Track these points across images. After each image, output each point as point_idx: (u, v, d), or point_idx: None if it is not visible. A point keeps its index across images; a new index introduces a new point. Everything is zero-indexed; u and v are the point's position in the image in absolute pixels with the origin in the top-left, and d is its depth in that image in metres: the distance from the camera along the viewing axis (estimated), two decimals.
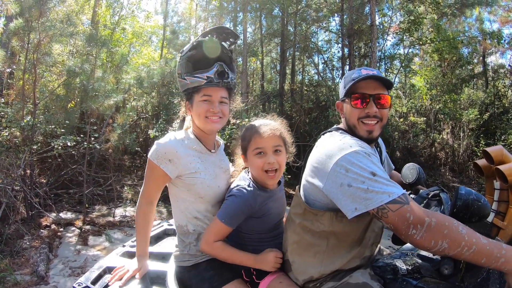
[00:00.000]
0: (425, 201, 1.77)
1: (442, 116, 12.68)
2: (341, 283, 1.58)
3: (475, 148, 11.49)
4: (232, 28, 2.29)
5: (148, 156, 1.83)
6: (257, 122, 1.81)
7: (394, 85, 12.37)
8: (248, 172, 1.84)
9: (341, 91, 1.74)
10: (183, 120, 2.05)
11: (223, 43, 1.94)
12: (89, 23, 11.78)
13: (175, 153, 1.78)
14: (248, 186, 1.73)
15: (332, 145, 1.53)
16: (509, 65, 14.04)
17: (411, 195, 2.05)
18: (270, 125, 1.76)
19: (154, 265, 2.13)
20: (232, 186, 1.81)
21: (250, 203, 1.69)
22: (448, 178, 11.59)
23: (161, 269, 2.07)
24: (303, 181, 1.69)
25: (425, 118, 12.85)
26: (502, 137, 11.04)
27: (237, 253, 1.73)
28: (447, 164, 12.34)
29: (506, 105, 12.62)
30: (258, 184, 1.77)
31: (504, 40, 12.87)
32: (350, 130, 1.68)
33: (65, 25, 6.95)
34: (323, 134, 1.75)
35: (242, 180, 1.80)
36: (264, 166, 1.70)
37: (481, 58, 14.61)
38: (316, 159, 1.58)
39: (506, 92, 13.17)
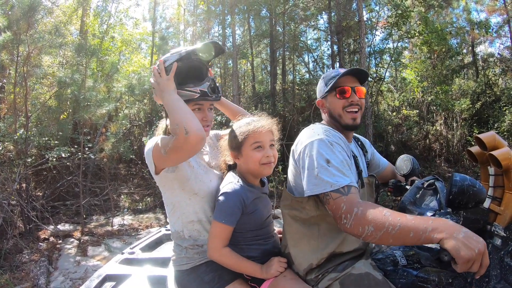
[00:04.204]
0: (420, 191, 1.78)
1: (434, 107, 12.75)
2: (343, 273, 1.62)
3: (469, 138, 11.55)
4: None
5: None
6: (250, 118, 1.86)
7: (385, 80, 12.49)
8: (235, 171, 1.88)
9: (322, 89, 1.91)
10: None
11: (201, 54, 1.94)
12: (77, 33, 11.75)
13: None
14: (237, 182, 1.78)
15: (305, 134, 1.72)
16: (499, 54, 14.16)
17: (407, 186, 2.06)
18: (267, 121, 1.83)
19: (153, 270, 2.13)
20: (221, 186, 1.83)
21: (242, 197, 1.73)
22: (443, 168, 11.65)
23: (161, 274, 2.07)
24: (288, 173, 1.83)
25: (417, 111, 12.91)
26: (495, 125, 11.10)
27: (245, 262, 1.74)
28: (442, 155, 12.40)
29: (498, 93, 12.69)
30: (246, 181, 1.82)
31: (492, 29, 12.95)
32: (335, 121, 1.86)
33: (54, 36, 6.94)
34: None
35: (230, 178, 1.83)
36: (262, 159, 1.75)
37: (470, 48, 14.70)
38: (293, 148, 1.77)
39: (497, 80, 13.27)
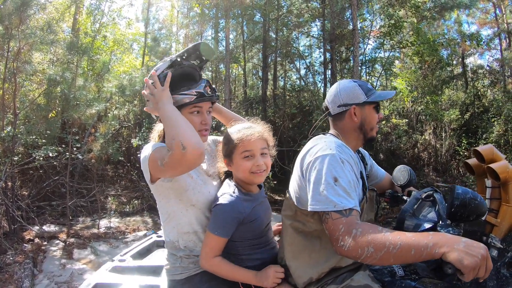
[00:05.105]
0: (419, 202, 1.77)
1: (424, 117, 12.89)
2: (342, 286, 1.60)
3: (457, 148, 11.69)
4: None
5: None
6: (241, 125, 1.81)
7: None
8: (231, 179, 1.84)
9: (359, 96, 1.82)
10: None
11: (193, 62, 1.90)
12: (69, 30, 11.61)
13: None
14: (233, 192, 1.73)
15: (317, 146, 1.65)
16: (488, 66, 14.40)
17: (404, 197, 2.06)
18: (257, 128, 1.78)
19: (145, 279, 2.08)
20: (218, 194, 1.79)
21: (239, 209, 1.68)
22: (432, 178, 11.75)
23: (153, 283, 2.02)
24: (292, 183, 1.76)
25: (407, 120, 13.03)
26: (484, 136, 11.27)
27: (237, 269, 1.70)
28: (430, 164, 12.52)
29: (486, 104, 12.93)
30: (242, 189, 1.77)
31: (484, 42, 13.18)
32: (360, 132, 1.84)
33: (46, 33, 6.87)
34: (314, 136, 1.83)
35: (226, 188, 1.79)
36: (252, 168, 1.71)
37: (460, 59, 14.90)
38: (301, 158, 1.70)
39: (486, 92, 13.51)
